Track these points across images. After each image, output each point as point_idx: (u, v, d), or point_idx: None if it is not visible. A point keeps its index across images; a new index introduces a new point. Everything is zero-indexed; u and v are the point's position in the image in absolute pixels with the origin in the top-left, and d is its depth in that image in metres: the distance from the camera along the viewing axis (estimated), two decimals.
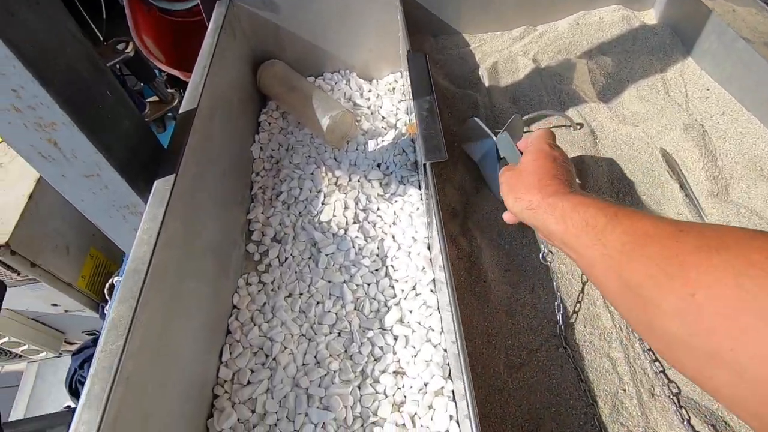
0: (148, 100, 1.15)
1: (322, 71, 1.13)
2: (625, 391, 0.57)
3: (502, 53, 1.04)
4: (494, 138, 0.76)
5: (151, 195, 0.61)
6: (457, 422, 0.58)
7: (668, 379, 0.58)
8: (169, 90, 1.15)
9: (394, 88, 1.10)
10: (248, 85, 1.04)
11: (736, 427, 0.55)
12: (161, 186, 0.62)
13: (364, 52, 1.09)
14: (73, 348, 1.14)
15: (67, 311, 1.02)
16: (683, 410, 0.55)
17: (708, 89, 0.88)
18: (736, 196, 0.74)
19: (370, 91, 1.10)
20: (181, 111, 0.73)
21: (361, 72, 1.13)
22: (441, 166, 0.83)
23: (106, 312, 0.98)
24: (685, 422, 0.54)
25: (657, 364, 0.59)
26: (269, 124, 1.06)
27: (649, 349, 0.60)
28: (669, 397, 0.56)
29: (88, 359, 0.99)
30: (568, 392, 0.58)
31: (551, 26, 1.07)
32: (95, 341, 1.01)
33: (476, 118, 0.80)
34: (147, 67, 1.23)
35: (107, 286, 0.96)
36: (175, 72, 1.30)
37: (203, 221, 0.71)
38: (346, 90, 1.09)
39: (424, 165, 0.65)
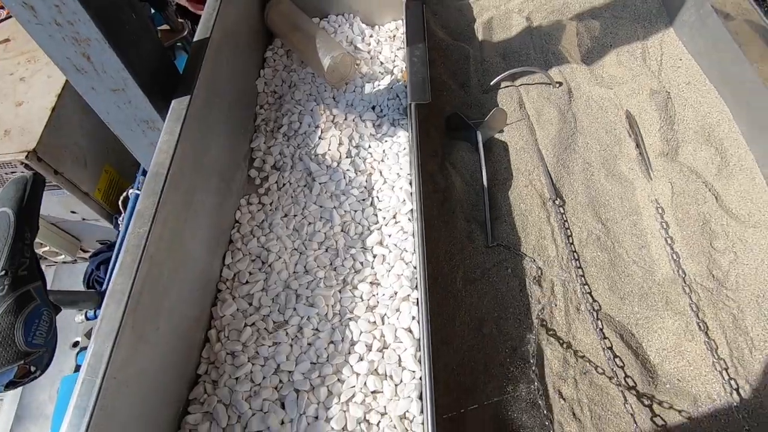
0: (158, 28, 1.19)
1: (327, 13, 1.18)
2: (556, 305, 0.70)
3: (498, 9, 1.09)
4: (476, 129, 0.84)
5: (168, 112, 0.70)
6: (418, 322, 0.72)
7: (593, 298, 0.71)
8: (180, 20, 1.19)
9: (394, 36, 1.15)
10: (256, 21, 1.09)
11: (640, 337, 0.68)
12: (177, 105, 0.71)
13: None
14: (88, 255, 1.27)
15: (84, 219, 1.13)
16: (599, 321, 0.68)
17: (681, 59, 0.96)
18: (683, 157, 0.84)
19: (371, 36, 1.15)
20: (195, 39, 0.80)
21: (364, 17, 1.17)
22: (426, 110, 0.92)
23: (119, 222, 1.09)
24: (598, 330, 0.67)
25: (586, 287, 0.72)
26: (274, 60, 1.13)
27: (582, 275, 0.72)
28: (590, 311, 0.69)
29: (105, 261, 1.12)
30: (510, 303, 0.71)
31: None
32: (111, 247, 1.13)
33: (458, 113, 0.87)
34: None
35: (122, 198, 1.07)
36: (184, 2, 1.33)
37: (212, 143, 0.80)
38: (349, 33, 1.14)
39: (410, 105, 0.74)
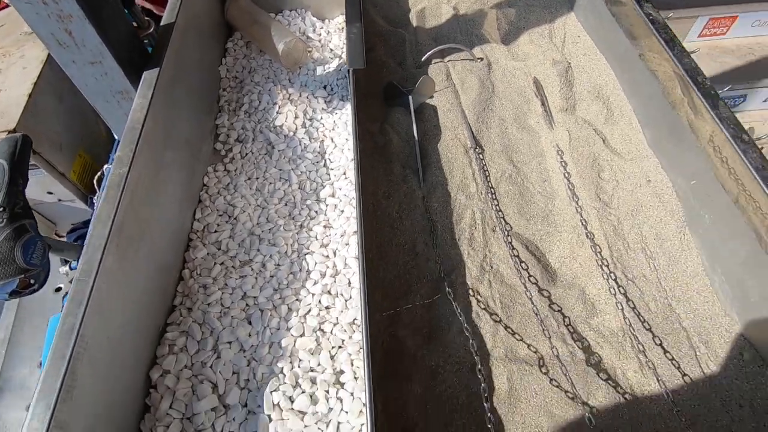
0: None
1: (281, 9, 1.33)
2: (476, 226, 0.85)
3: (430, 1, 1.26)
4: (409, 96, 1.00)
5: (141, 81, 0.82)
6: (358, 243, 0.85)
7: (505, 221, 0.86)
8: (146, 18, 1.31)
9: (342, 27, 1.31)
10: (217, 15, 1.22)
11: (543, 248, 0.84)
12: (149, 75, 0.83)
13: None
14: (63, 239, 1.34)
15: (60, 200, 1.21)
16: (510, 237, 0.83)
17: (579, 36, 1.15)
18: (579, 111, 1.02)
19: (322, 28, 1.31)
20: (162, 24, 0.93)
21: (315, 12, 1.33)
22: (367, 81, 1.07)
23: (95, 201, 1.18)
24: (508, 243, 0.82)
25: (500, 213, 0.87)
26: (235, 50, 1.26)
27: (497, 205, 0.88)
28: (503, 231, 0.84)
29: (82, 237, 1.20)
30: (439, 228, 0.85)
31: None
32: (86, 223, 1.21)
33: (392, 82, 1.02)
34: None
35: (97, 176, 1.15)
36: (149, 6, 1.46)
37: (180, 113, 0.93)
38: (301, 26, 1.29)
39: (349, 70, 0.89)
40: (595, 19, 1.12)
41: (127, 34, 0.85)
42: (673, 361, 0.71)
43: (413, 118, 0.96)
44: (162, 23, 0.93)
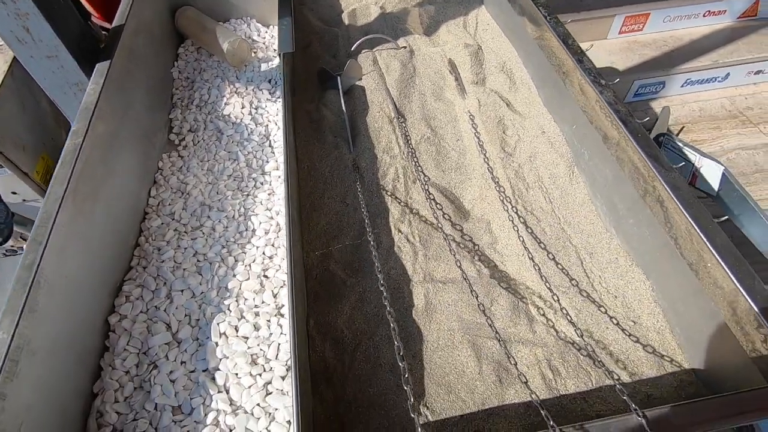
0: None
1: (228, 17, 1.47)
2: (399, 179, 0.98)
3: (360, 3, 1.43)
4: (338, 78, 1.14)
5: (93, 72, 0.93)
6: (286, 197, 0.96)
7: (424, 174, 0.99)
8: (103, 31, 1.43)
9: None
10: (167, 24, 1.35)
11: (457, 193, 0.97)
12: (101, 67, 0.94)
13: (261, 3, 1.44)
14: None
15: (24, 200, 1.28)
16: (427, 186, 0.96)
17: (488, 24, 1.32)
18: (488, 84, 1.17)
19: (266, 32, 1.45)
20: (113, 26, 1.05)
21: (259, 19, 1.48)
22: (304, 71, 1.20)
23: None
24: (426, 191, 0.95)
25: (419, 167, 1.00)
26: (186, 55, 1.39)
27: (417, 161, 1.01)
28: (421, 181, 0.97)
29: None
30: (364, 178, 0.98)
31: None
32: None
33: (323, 67, 1.17)
34: (83, 7, 1.50)
35: None
36: (106, 24, 1.59)
37: (133, 104, 1.03)
38: (247, 31, 1.43)
39: (280, 54, 1.02)
40: (501, 10, 1.30)
41: (78, 29, 0.97)
42: (563, 270, 0.84)
43: (341, 96, 1.10)
44: (113, 25, 1.06)
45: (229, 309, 0.83)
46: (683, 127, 2.17)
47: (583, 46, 1.00)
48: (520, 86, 1.15)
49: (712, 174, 1.56)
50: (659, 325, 0.75)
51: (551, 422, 0.51)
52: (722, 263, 0.63)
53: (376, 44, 1.29)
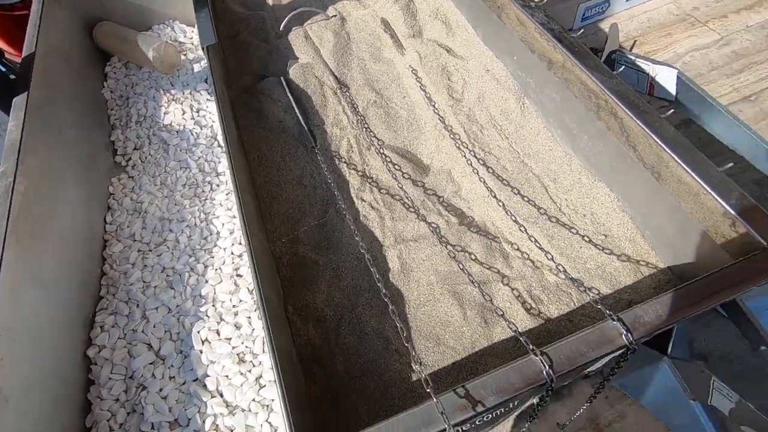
0: None
1: (150, 25, 1.40)
2: (353, 149, 0.95)
3: None
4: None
5: (12, 107, 0.88)
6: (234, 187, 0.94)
7: (377, 138, 0.97)
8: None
9: None
10: (85, 43, 1.29)
11: (413, 150, 0.95)
12: (18, 101, 0.89)
13: (180, 3, 1.37)
14: None
15: None
16: (383, 150, 0.94)
17: None
18: (425, 35, 1.14)
19: (192, 32, 1.39)
20: (22, 56, 0.99)
21: (183, 20, 1.41)
22: (238, 61, 1.16)
23: None
24: (383, 155, 0.93)
25: (371, 133, 0.98)
26: (114, 73, 1.32)
27: (368, 127, 0.98)
28: (375, 147, 0.95)
29: None
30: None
31: None
32: None
33: (264, 74, 1.12)
34: None
35: None
36: (10, 53, 1.52)
37: (64, 132, 0.99)
38: (171, 34, 1.37)
39: (204, 48, 0.98)
40: None
41: None
42: (530, 201, 0.83)
43: (285, 87, 1.06)
44: (23, 54, 1.00)
45: (207, 315, 0.81)
46: (635, 41, 2.15)
47: None
48: (456, 30, 1.11)
49: (667, 80, 1.55)
50: (630, 233, 0.75)
51: (531, 346, 0.50)
52: (674, 156, 0.63)
53: (305, 19, 1.24)
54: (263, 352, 0.75)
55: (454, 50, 1.09)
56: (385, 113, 1.01)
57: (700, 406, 1.18)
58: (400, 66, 1.09)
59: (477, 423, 0.87)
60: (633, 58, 1.62)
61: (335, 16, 1.23)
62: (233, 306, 0.82)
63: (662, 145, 0.64)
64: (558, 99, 0.86)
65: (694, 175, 0.61)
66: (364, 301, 0.76)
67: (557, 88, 0.85)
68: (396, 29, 1.16)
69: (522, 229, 0.78)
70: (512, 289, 0.73)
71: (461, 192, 0.88)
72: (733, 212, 0.58)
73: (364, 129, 0.99)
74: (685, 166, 0.62)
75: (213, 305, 0.82)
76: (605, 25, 2.27)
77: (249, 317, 0.80)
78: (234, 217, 0.97)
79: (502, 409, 0.80)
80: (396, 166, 0.91)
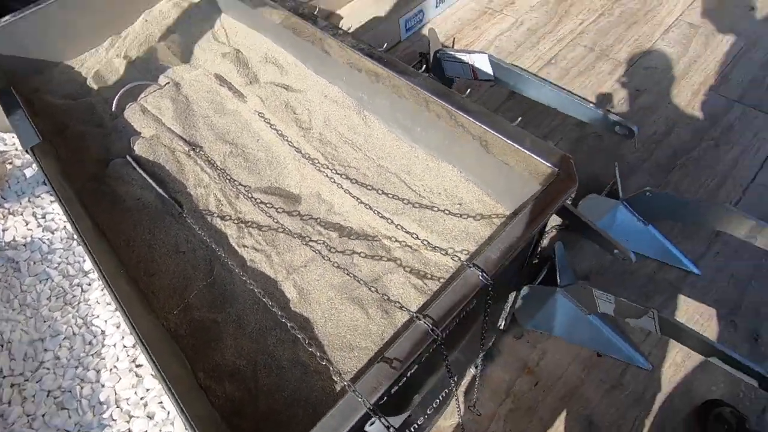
0: None
1: None
2: (222, 203, 0.96)
3: (101, 62, 1.33)
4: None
5: None
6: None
7: (243, 186, 0.99)
8: None
9: None
10: None
11: (280, 184, 0.99)
12: None
13: None
14: None
15: None
16: (251, 194, 0.96)
17: (235, 27, 1.34)
18: (262, 79, 1.20)
19: (12, 137, 1.28)
20: None
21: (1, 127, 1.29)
22: (74, 153, 1.10)
23: None
24: (252, 198, 0.95)
25: (236, 182, 1.00)
26: None
27: (230, 177, 1.00)
28: (244, 193, 0.97)
29: None
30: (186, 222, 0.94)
31: (131, 28, 1.41)
32: None
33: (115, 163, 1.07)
34: None
35: None
36: None
37: None
38: None
39: (29, 150, 0.92)
40: (240, 11, 1.33)
41: None
42: (394, 197, 0.92)
43: (135, 165, 1.03)
44: None
45: (113, 419, 0.75)
46: (453, 38, 2.47)
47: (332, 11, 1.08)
48: (288, 68, 1.20)
49: (483, 64, 1.82)
50: (477, 196, 0.88)
51: (414, 314, 0.57)
52: (477, 123, 0.76)
53: (137, 93, 1.22)
54: (185, 429, 0.72)
55: (292, 86, 1.17)
56: (244, 160, 1.04)
57: (596, 318, 1.39)
58: (245, 113, 1.14)
59: (428, 413, 0.92)
60: (453, 53, 1.87)
61: (168, 83, 1.24)
62: (141, 398, 0.77)
63: (469, 117, 0.77)
64: (388, 104, 0.97)
65: (497, 134, 0.75)
66: (274, 338, 0.78)
67: (384, 95, 0.97)
68: (232, 81, 1.21)
69: (392, 222, 0.87)
70: (401, 276, 0.81)
71: (334, 208, 0.94)
72: (530, 153, 0.72)
73: (227, 181, 1.00)
74: (489, 129, 0.76)
75: (117, 406, 0.76)
76: (426, 31, 2.56)
77: (161, 402, 0.76)
78: (116, 310, 0.91)
79: (443, 394, 0.86)
80: (268, 205, 0.95)
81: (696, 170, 1.84)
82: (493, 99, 2.22)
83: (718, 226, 1.45)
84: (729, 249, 1.60)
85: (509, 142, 0.74)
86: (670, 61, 2.22)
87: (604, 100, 2.10)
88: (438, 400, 1.23)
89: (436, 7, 2.63)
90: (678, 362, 1.39)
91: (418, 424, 1.23)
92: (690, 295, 1.52)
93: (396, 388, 0.56)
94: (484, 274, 0.59)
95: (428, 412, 1.14)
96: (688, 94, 2.08)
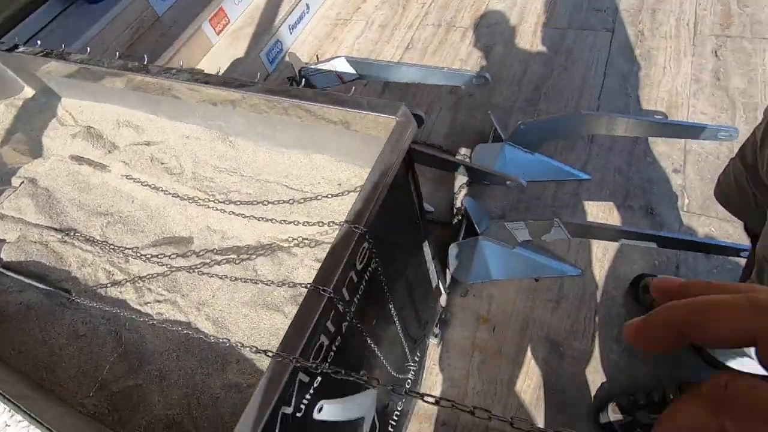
0: None
1: None
2: (113, 273, 0.92)
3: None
4: None
5: None
6: None
7: (131, 250, 0.96)
8: None
9: None
10: None
11: (172, 233, 0.97)
12: None
13: None
14: None
15: None
16: (138, 253, 0.93)
17: (82, 109, 1.30)
18: (120, 144, 1.17)
19: None
20: None
21: None
22: None
23: None
24: (142, 257, 0.92)
25: (119, 249, 0.96)
26: None
27: (112, 246, 0.96)
28: (131, 255, 0.94)
29: None
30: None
31: None
32: None
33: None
34: None
35: None
36: None
37: None
38: None
39: None
40: (79, 91, 1.29)
41: None
42: (278, 202, 0.94)
43: (4, 271, 0.96)
44: None
45: None
46: (317, 55, 2.56)
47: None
48: (142, 125, 1.18)
49: (343, 66, 1.90)
50: (352, 171, 0.93)
51: (308, 286, 0.59)
52: (323, 106, 0.81)
53: None
54: None
55: (152, 140, 1.15)
56: (124, 225, 1.01)
57: (520, 248, 1.48)
58: (112, 181, 1.10)
59: (405, 391, 0.93)
60: (314, 66, 1.95)
61: (22, 182, 1.17)
62: None
63: (314, 104, 0.82)
64: (245, 122, 1.00)
65: (339, 108, 0.80)
66: (203, 374, 0.75)
67: (240, 115, 0.99)
68: (90, 157, 1.17)
69: (284, 222, 0.88)
70: (305, 268, 0.82)
71: (226, 234, 0.94)
72: (370, 112, 0.77)
73: (112, 251, 0.96)
74: (331, 107, 0.81)
75: None
76: (288, 57, 2.63)
77: None
78: (21, 420, 0.83)
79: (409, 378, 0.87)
80: (160, 256, 0.92)
81: (557, 94, 2.05)
82: (370, 95, 2.32)
83: (585, 131, 1.63)
84: (603, 148, 1.79)
85: (351, 110, 0.79)
86: (505, 15, 2.47)
87: (464, 63, 2.29)
88: (408, 381, 1.24)
89: (290, 33, 2.73)
90: (600, 257, 1.52)
91: (399, 410, 1.23)
92: (590, 198, 1.68)
93: (320, 357, 0.57)
94: (357, 225, 0.63)
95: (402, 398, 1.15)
96: (529, 35, 2.33)
